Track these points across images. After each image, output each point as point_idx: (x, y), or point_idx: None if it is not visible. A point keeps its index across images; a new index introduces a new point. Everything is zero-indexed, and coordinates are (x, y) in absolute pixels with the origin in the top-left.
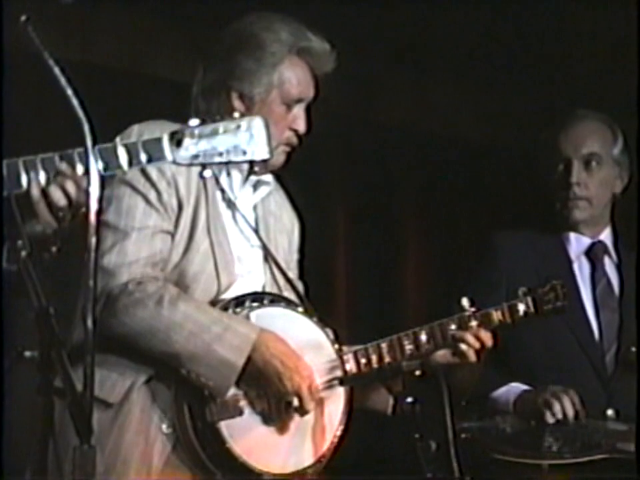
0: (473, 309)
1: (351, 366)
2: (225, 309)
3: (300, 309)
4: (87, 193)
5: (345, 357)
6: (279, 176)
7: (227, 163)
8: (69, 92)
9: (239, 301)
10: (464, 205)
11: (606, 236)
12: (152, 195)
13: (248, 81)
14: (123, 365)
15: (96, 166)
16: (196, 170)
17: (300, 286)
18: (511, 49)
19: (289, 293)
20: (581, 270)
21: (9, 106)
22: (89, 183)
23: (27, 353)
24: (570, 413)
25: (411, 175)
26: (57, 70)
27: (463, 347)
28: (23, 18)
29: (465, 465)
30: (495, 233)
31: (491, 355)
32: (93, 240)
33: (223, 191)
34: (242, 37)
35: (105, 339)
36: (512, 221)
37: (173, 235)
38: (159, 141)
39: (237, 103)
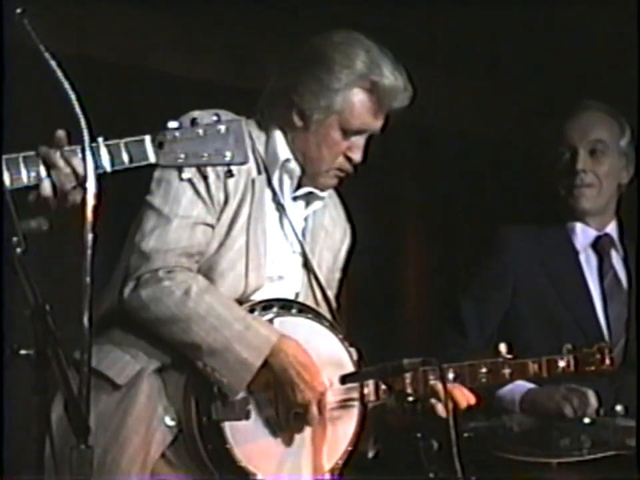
0: (509, 356)
1: (369, 390)
2: (252, 310)
3: (326, 323)
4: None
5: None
6: (340, 192)
7: (207, 165)
8: (66, 86)
9: (267, 305)
10: (468, 197)
11: (612, 229)
12: (201, 186)
13: (308, 99)
14: (138, 348)
15: (83, 164)
16: (245, 166)
17: (334, 304)
18: (512, 42)
19: (324, 310)
20: (588, 262)
21: (6, 100)
22: (85, 179)
23: (23, 351)
24: (591, 407)
25: (413, 167)
26: (53, 63)
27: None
28: (19, 11)
29: (468, 464)
30: (500, 226)
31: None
32: (90, 236)
33: (274, 192)
34: (316, 54)
35: (128, 319)
36: (517, 213)
37: (214, 228)
38: (141, 142)
39: (295, 118)
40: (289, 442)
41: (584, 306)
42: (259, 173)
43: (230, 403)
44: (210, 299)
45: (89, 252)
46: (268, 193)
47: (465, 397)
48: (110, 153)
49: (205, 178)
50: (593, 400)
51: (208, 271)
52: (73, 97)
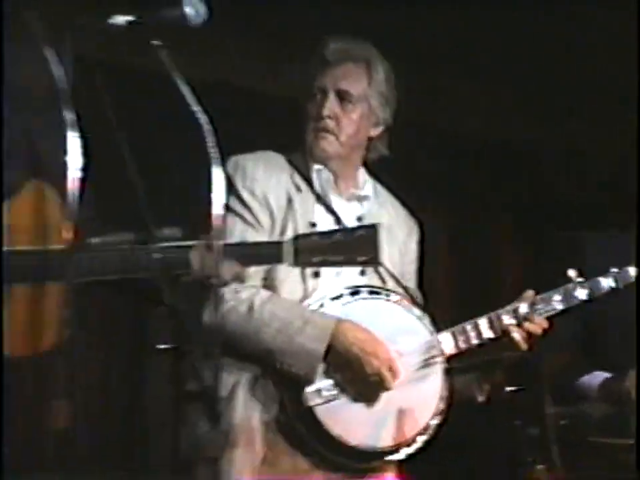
0: (580, 280)
1: (448, 344)
2: (322, 305)
3: (395, 298)
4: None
5: (441, 337)
6: (391, 189)
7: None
8: (199, 114)
9: (336, 296)
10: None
11: None
12: (247, 214)
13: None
14: (230, 364)
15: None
16: (285, 184)
17: (418, 294)
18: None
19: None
20: None
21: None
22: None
23: (161, 346)
24: None
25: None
26: (186, 90)
27: (515, 335)
28: (156, 43)
29: (562, 450)
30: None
31: (577, 342)
32: None
33: (318, 197)
34: None
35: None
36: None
37: None
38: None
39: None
40: (376, 409)
41: None
42: (299, 190)
43: (317, 390)
44: (271, 307)
45: None
46: (314, 204)
47: (539, 325)
48: None
49: (247, 207)
50: None
51: (272, 281)
52: (205, 121)
